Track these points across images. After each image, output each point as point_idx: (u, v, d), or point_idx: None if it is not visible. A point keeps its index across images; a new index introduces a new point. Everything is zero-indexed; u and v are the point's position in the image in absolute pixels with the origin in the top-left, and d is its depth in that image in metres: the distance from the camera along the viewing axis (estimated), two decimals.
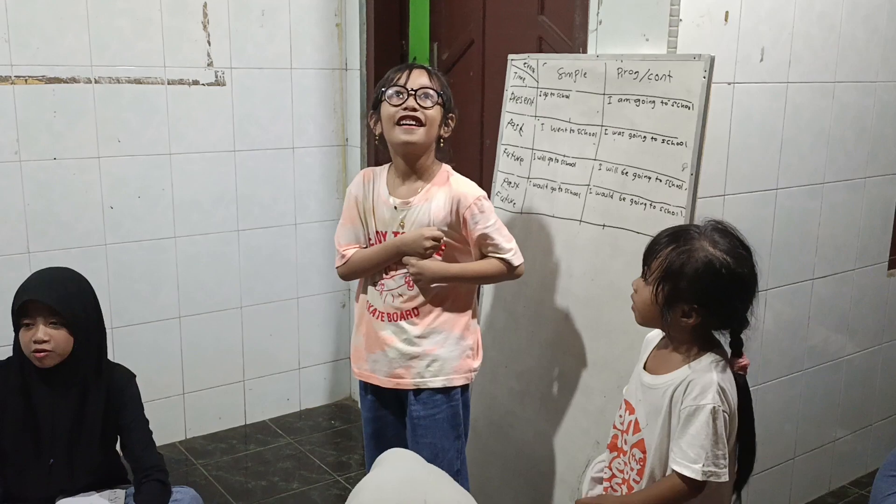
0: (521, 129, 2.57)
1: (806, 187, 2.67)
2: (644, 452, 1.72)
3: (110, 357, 2.21)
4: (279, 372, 3.61)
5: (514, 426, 2.60)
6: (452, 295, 2.14)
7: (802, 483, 2.95)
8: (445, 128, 2.14)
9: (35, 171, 2.92)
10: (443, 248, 2.11)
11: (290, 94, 3.42)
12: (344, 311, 3.74)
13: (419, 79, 2.08)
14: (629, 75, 2.22)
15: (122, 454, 2.20)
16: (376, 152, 2.35)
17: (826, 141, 2.69)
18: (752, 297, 1.66)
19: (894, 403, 3.24)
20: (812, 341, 2.83)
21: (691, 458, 1.61)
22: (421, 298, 2.12)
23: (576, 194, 2.37)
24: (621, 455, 1.79)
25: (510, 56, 2.61)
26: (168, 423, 3.30)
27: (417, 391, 2.16)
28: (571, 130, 2.40)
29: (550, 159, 2.46)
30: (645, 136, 2.19)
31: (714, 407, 1.60)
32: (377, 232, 2.15)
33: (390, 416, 2.25)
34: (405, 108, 2.06)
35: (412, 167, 2.12)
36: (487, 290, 2.66)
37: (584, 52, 2.50)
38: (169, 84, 3.12)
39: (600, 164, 2.31)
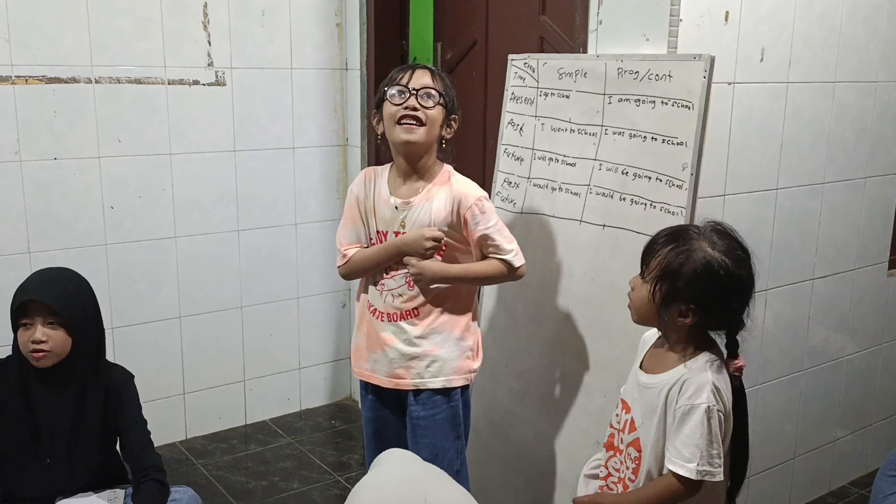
0: (521, 129, 2.57)
1: (806, 187, 2.67)
2: (639, 451, 1.72)
3: (111, 357, 2.21)
4: (279, 372, 3.62)
5: (514, 426, 2.60)
6: (453, 296, 2.14)
7: (802, 483, 2.95)
8: (448, 129, 2.13)
9: (35, 171, 2.92)
10: (444, 248, 2.11)
11: (291, 94, 3.42)
12: (344, 311, 3.74)
13: (422, 79, 2.08)
14: (629, 75, 2.22)
15: (120, 454, 2.21)
16: (377, 152, 2.35)
17: (826, 141, 2.69)
18: (748, 299, 1.66)
19: (894, 403, 3.24)
20: (812, 341, 2.83)
21: (686, 458, 1.61)
22: (421, 299, 2.12)
23: (576, 194, 2.37)
24: (617, 454, 1.79)
25: (510, 56, 2.61)
26: (168, 423, 3.30)
27: (417, 392, 2.15)
28: (572, 130, 2.40)
29: (551, 159, 2.46)
30: (645, 136, 2.19)
31: (709, 406, 1.61)
32: (378, 231, 2.15)
33: (391, 416, 2.25)
34: (406, 108, 2.05)
35: (413, 167, 2.12)
36: (488, 290, 2.67)
37: (585, 52, 2.50)
38: (169, 84, 3.12)
39: (600, 164, 2.31)
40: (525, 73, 2.55)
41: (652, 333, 1.82)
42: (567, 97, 2.41)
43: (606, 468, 1.83)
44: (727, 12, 2.29)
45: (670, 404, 1.66)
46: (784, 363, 2.76)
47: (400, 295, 2.13)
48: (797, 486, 2.94)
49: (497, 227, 2.11)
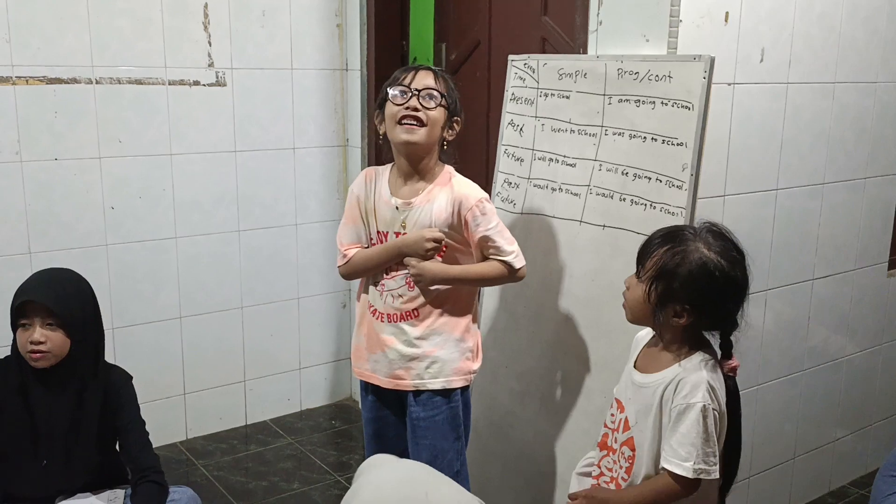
0: (521, 129, 2.57)
1: (806, 188, 2.67)
2: (633, 450, 1.73)
3: (112, 357, 2.21)
4: (280, 372, 3.62)
5: (514, 426, 2.60)
6: (453, 297, 2.14)
7: (802, 483, 2.96)
8: (450, 131, 2.13)
9: (36, 172, 2.92)
10: (444, 249, 2.11)
11: (291, 95, 3.42)
12: (344, 312, 3.74)
13: (424, 79, 2.08)
14: (629, 76, 2.22)
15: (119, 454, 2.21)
16: (377, 153, 2.35)
17: (826, 141, 2.69)
18: (743, 300, 1.67)
19: (894, 403, 3.24)
20: (812, 341, 2.83)
21: (682, 457, 1.62)
22: (421, 300, 2.12)
23: (576, 195, 2.37)
24: (611, 453, 1.80)
25: (510, 57, 2.61)
26: (169, 424, 3.31)
27: (417, 392, 2.16)
28: (572, 131, 2.40)
29: (551, 160, 2.46)
30: (645, 137, 2.19)
31: (704, 405, 1.62)
32: (378, 232, 2.15)
33: (391, 417, 2.25)
34: (407, 108, 2.05)
35: (414, 168, 2.12)
36: (489, 291, 2.67)
37: (585, 52, 2.50)
38: (170, 84, 3.12)
39: (600, 165, 2.31)
40: (525, 74, 2.55)
41: (645, 333, 1.83)
42: (567, 98, 2.41)
43: (599, 467, 1.83)
44: (727, 13, 2.30)
45: (665, 403, 1.66)
46: (784, 363, 2.76)
47: (400, 296, 2.13)
48: (797, 487, 2.94)
49: (498, 229, 2.11)
